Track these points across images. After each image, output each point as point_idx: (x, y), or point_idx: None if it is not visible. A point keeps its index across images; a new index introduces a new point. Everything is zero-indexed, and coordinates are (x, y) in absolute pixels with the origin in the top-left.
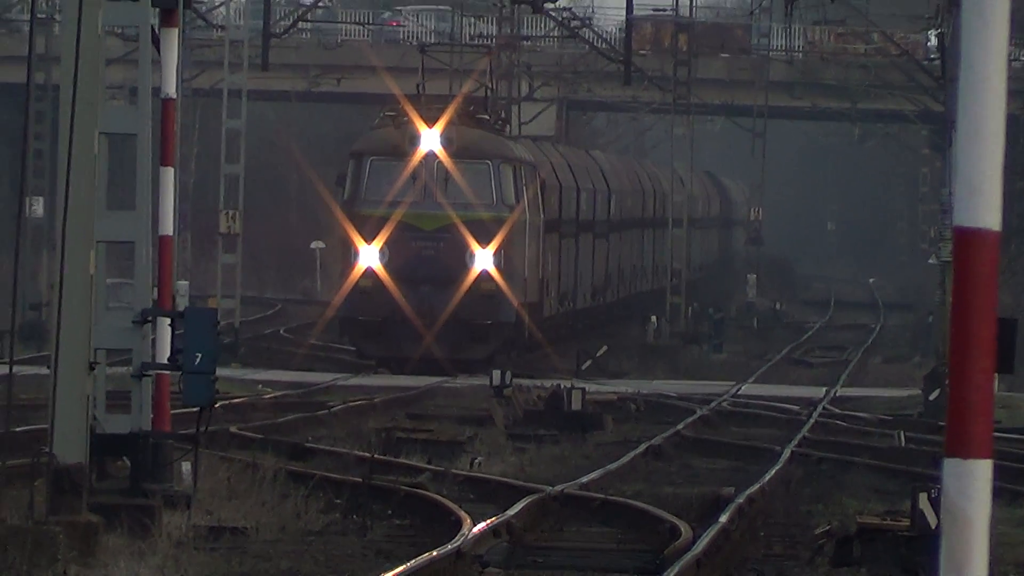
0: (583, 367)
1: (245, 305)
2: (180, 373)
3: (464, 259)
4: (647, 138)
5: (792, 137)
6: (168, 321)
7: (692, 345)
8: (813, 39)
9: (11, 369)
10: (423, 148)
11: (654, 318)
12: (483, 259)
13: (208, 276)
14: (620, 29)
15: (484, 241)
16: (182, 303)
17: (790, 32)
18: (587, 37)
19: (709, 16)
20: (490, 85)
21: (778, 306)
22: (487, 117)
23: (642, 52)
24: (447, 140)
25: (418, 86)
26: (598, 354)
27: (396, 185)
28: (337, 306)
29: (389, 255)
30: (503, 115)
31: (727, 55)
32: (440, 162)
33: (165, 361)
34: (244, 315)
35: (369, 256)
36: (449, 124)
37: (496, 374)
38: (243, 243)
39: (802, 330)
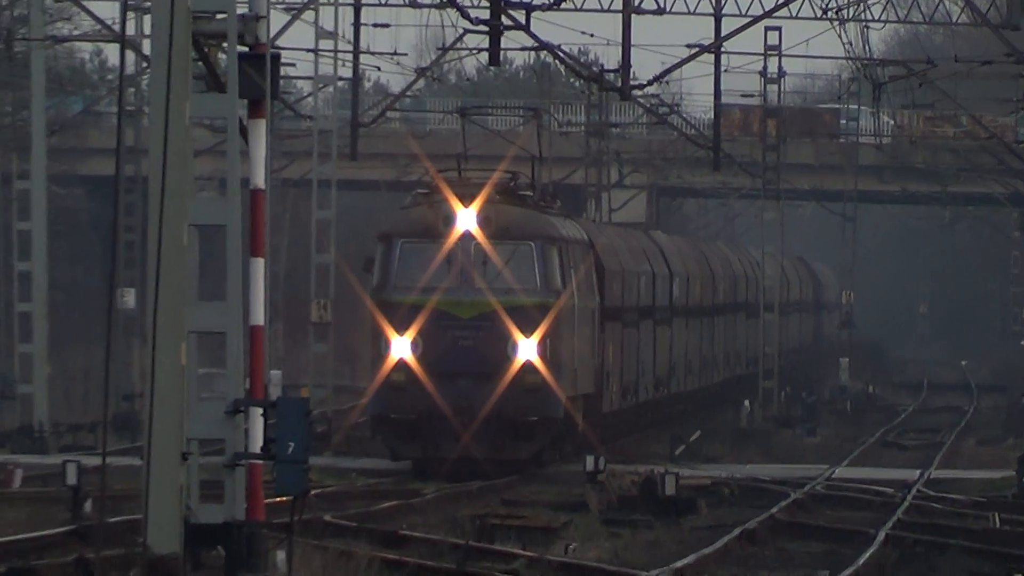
0: (676, 452)
1: (337, 393)
2: (273, 462)
3: (505, 349)
4: (737, 223)
5: (882, 220)
6: (260, 411)
7: (785, 429)
8: (902, 123)
9: (104, 460)
10: (459, 229)
11: (747, 402)
12: (527, 349)
13: (300, 365)
14: (708, 115)
15: (528, 329)
16: (274, 392)
17: (878, 116)
18: (676, 123)
19: (797, 101)
20: (537, 155)
21: (871, 389)
22: (530, 193)
23: (731, 138)
24: (485, 220)
25: (458, 157)
26: (691, 439)
27: (430, 269)
28: (368, 402)
29: (423, 346)
30: (551, 189)
31: (816, 140)
32: (478, 244)
33: (258, 451)
34: (336, 403)
35: (401, 347)
36: (487, 202)
37: (590, 459)
38: (334, 332)
39: (895, 413)
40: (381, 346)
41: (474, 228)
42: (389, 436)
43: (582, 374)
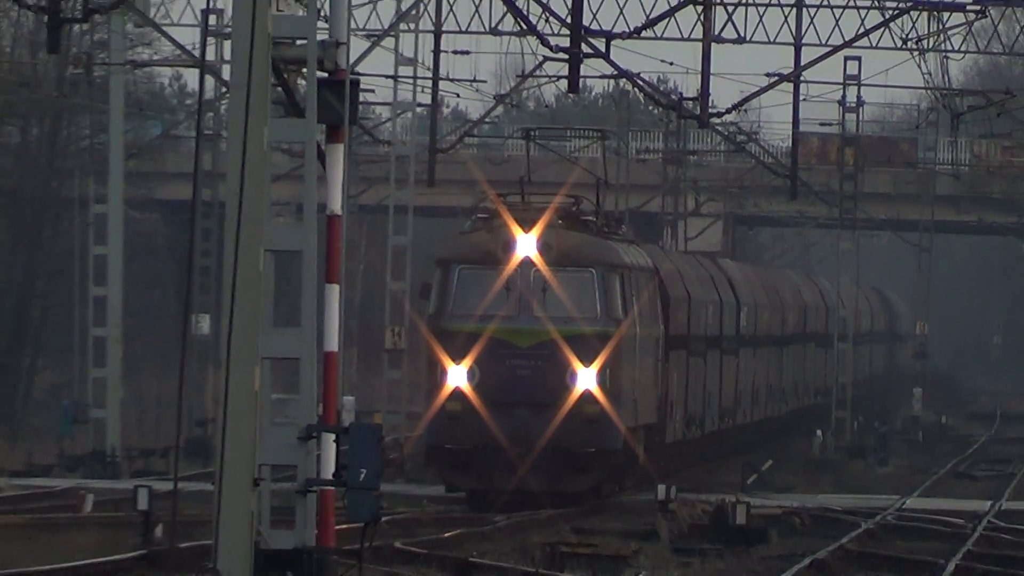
0: (748, 481)
1: (410, 420)
2: (345, 489)
3: (564, 379)
4: (813, 252)
5: (958, 250)
6: (333, 437)
7: (857, 459)
8: (979, 152)
9: (175, 485)
10: (518, 255)
11: (819, 432)
12: (586, 379)
13: (374, 391)
14: (786, 143)
15: (587, 359)
16: (347, 419)
17: (956, 146)
18: (753, 152)
19: (875, 130)
20: (603, 177)
21: (944, 420)
22: (593, 219)
23: (808, 167)
24: (545, 246)
25: (521, 179)
26: (763, 468)
27: (488, 297)
28: (423, 432)
29: (480, 375)
30: (616, 214)
31: (893, 169)
32: (537, 271)
33: (330, 477)
34: (409, 430)
35: (457, 376)
36: (547, 228)
37: (661, 488)
38: (408, 359)
39: (968, 444)
40: (437, 375)
41: (534, 254)
42: (444, 467)
43: (643, 404)
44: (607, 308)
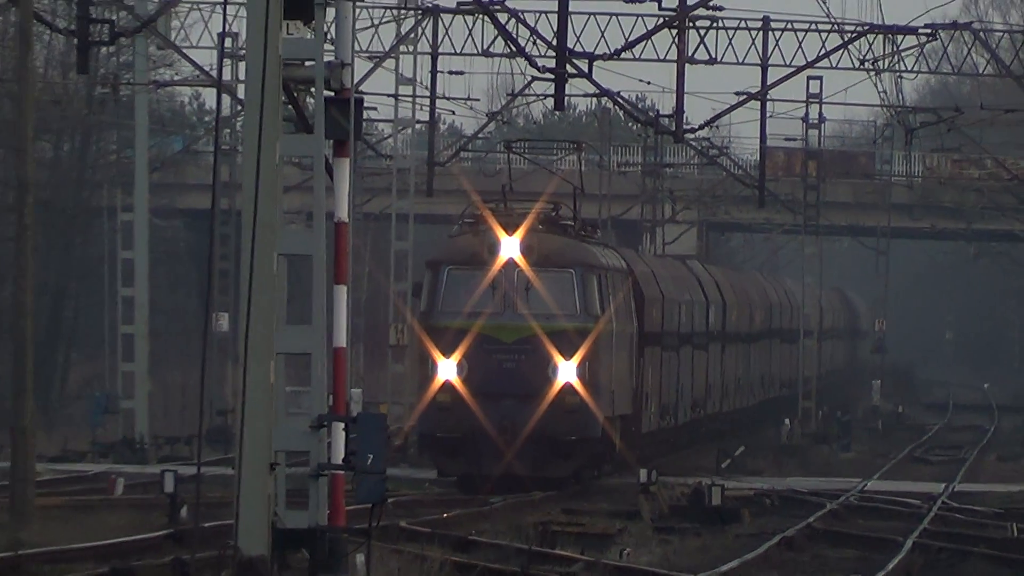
0: (723, 465)
1: (412, 410)
2: (354, 473)
3: (546, 372)
4: (780, 256)
5: (913, 254)
6: (342, 425)
7: (822, 445)
8: (931, 165)
9: (199, 470)
10: (503, 257)
11: (787, 420)
12: (566, 371)
13: (379, 384)
14: (755, 156)
15: (567, 353)
16: (355, 409)
17: (910, 159)
18: (724, 164)
19: (836, 145)
20: (580, 186)
21: (901, 409)
22: (571, 223)
23: (775, 178)
24: (527, 248)
25: (504, 187)
26: (736, 453)
27: (475, 295)
28: (415, 422)
29: (468, 368)
30: (595, 221)
31: (853, 180)
32: (520, 271)
33: (340, 462)
34: (412, 419)
35: (447, 370)
36: (529, 231)
37: (643, 472)
38: (410, 354)
39: (923, 431)
40: (428, 368)
41: (517, 256)
42: (436, 454)
43: (620, 396)
44: (585, 305)
